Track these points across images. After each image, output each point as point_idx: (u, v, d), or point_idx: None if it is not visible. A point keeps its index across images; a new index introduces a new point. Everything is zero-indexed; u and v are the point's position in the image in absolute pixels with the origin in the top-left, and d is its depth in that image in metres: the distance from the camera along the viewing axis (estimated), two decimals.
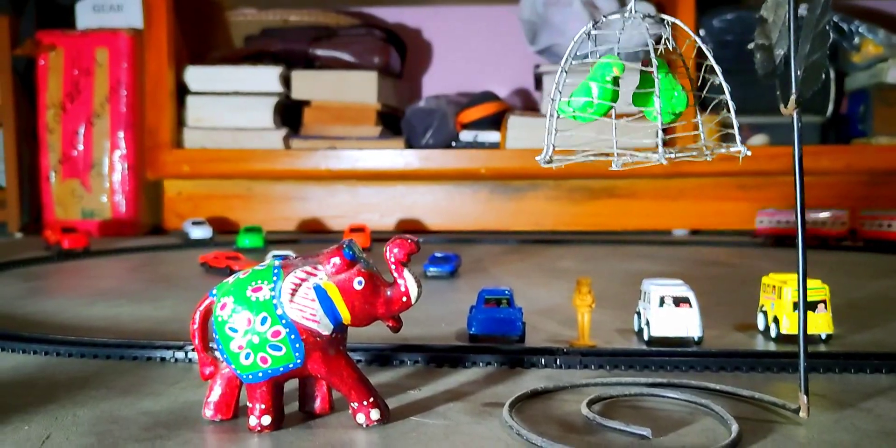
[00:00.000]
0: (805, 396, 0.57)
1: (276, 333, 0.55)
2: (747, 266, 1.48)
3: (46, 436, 0.55)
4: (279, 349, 0.55)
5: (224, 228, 2.08)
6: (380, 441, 0.54)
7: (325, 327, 0.55)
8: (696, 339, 0.80)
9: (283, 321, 0.55)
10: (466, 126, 2.14)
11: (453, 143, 2.14)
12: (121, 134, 2.10)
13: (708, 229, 2.10)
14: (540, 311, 0.99)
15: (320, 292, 0.55)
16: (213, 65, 2.16)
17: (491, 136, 2.11)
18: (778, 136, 2.08)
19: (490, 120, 2.13)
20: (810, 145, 2.06)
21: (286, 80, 2.14)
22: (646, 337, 0.82)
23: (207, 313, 0.57)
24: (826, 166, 2.01)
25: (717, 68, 0.54)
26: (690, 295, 0.81)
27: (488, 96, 2.21)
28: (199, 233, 1.86)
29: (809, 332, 0.80)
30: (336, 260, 0.55)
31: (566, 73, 0.52)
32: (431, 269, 1.31)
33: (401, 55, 2.34)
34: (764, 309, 0.88)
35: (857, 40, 2.13)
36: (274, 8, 2.34)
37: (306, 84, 2.15)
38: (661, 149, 0.50)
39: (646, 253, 1.70)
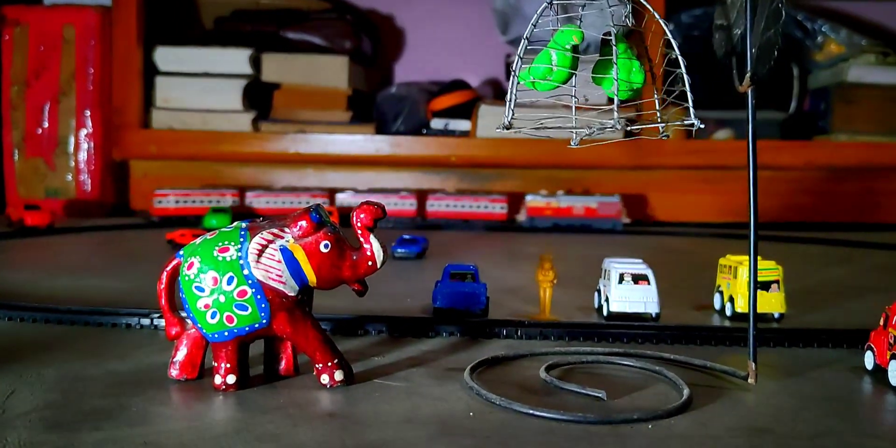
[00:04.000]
0: (753, 363, 0.60)
1: (243, 293, 0.56)
2: (706, 254, 1.51)
3: (11, 391, 0.56)
4: (245, 309, 0.56)
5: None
6: (343, 400, 0.56)
7: (290, 288, 0.56)
8: (653, 315, 0.83)
9: (250, 281, 0.56)
10: (437, 114, 2.15)
11: (424, 131, 2.15)
12: (87, 112, 2.07)
13: (670, 221, 2.13)
14: (504, 290, 1.00)
15: (286, 254, 0.56)
16: (182, 45, 2.14)
17: (461, 124, 2.12)
18: (742, 130, 2.11)
19: (461, 108, 2.14)
20: (772, 140, 2.10)
21: (256, 63, 2.13)
22: (605, 313, 0.84)
23: (174, 273, 0.58)
24: (787, 161, 2.06)
25: (674, 43, 0.55)
26: (649, 273, 0.84)
27: (459, 85, 2.22)
28: None
29: (762, 310, 0.83)
30: (303, 223, 0.56)
31: (527, 40, 0.54)
32: (399, 250, 1.32)
33: (373, 41, 2.34)
34: (720, 289, 0.90)
35: (819, 39, 2.17)
36: None
37: (276, 67, 2.14)
38: (616, 114, 0.52)
39: (609, 241, 1.73)
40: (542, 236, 1.81)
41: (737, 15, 0.57)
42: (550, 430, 0.51)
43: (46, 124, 2.07)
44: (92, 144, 2.08)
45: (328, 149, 2.08)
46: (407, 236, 1.37)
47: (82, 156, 2.08)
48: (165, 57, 2.11)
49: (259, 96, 2.15)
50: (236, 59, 2.10)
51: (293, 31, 2.17)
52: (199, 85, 2.10)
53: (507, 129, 0.56)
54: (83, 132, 2.07)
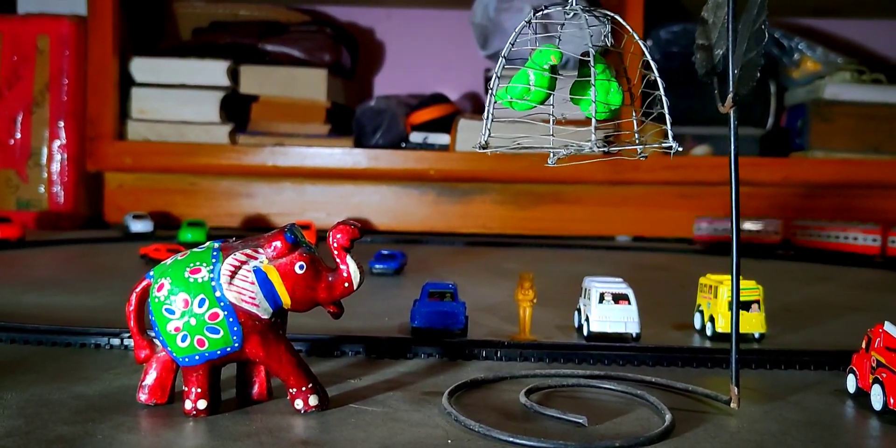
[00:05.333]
0: (736, 388, 0.59)
1: (214, 316, 0.54)
2: (686, 271, 1.51)
3: None
4: (217, 332, 0.54)
5: (166, 223, 2.04)
6: (318, 426, 0.54)
7: (264, 311, 0.55)
8: (634, 335, 0.82)
9: (222, 304, 0.54)
10: (416, 127, 2.14)
11: (403, 144, 2.14)
12: (61, 123, 2.04)
13: (650, 236, 2.13)
14: (483, 308, 0.99)
15: (260, 275, 0.54)
16: (159, 56, 2.12)
17: (440, 138, 2.12)
18: (720, 146, 2.13)
19: (440, 122, 2.13)
20: (750, 157, 2.11)
21: (234, 75, 2.11)
22: (585, 332, 0.83)
23: (144, 295, 0.56)
24: (764, 178, 2.07)
25: (653, 64, 0.55)
26: (629, 292, 0.83)
27: (439, 98, 2.22)
28: (140, 226, 1.82)
29: (743, 331, 0.82)
30: (277, 243, 0.55)
31: (505, 59, 0.53)
32: (377, 266, 1.31)
33: (352, 54, 2.33)
34: (700, 308, 0.90)
35: (796, 57, 2.19)
36: (224, 1, 2.31)
37: (255, 79, 2.12)
38: (593, 136, 0.51)
39: (589, 257, 1.72)
40: (519, 251, 1.80)
41: (718, 35, 0.57)
42: None
43: (19, 135, 2.03)
44: (65, 156, 2.05)
45: (306, 162, 2.07)
46: (385, 252, 1.36)
47: (55, 167, 2.04)
48: (142, 68, 2.09)
49: (236, 108, 2.13)
50: (214, 71, 2.08)
51: (272, 44, 2.16)
52: (176, 96, 2.08)
53: (484, 148, 0.55)
54: (56, 143, 2.04)
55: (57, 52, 2.02)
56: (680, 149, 0.54)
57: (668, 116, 0.53)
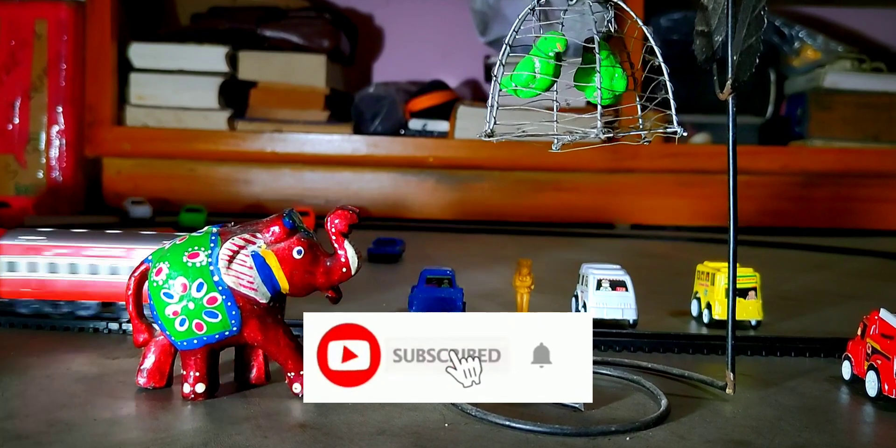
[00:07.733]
0: (731, 373, 0.59)
1: (213, 300, 0.54)
2: (683, 259, 1.51)
3: None
4: (215, 316, 0.54)
5: (165, 209, 2.04)
6: (315, 410, 0.54)
7: (262, 295, 0.55)
8: (631, 321, 0.82)
9: (220, 288, 0.54)
10: (415, 114, 2.14)
11: (402, 131, 2.13)
12: (59, 109, 2.03)
13: (648, 224, 2.13)
14: (481, 295, 1.00)
15: (258, 260, 0.55)
16: (157, 42, 2.11)
17: (440, 125, 2.11)
18: (719, 134, 2.12)
19: (439, 109, 2.13)
20: (749, 145, 2.11)
21: (233, 60, 2.10)
22: None
23: (142, 279, 0.56)
24: (763, 166, 2.07)
25: (657, 50, 0.55)
26: (627, 279, 0.83)
27: (438, 85, 2.21)
28: (140, 212, 1.82)
29: (740, 318, 0.83)
30: (275, 228, 0.55)
31: (509, 46, 0.53)
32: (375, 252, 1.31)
33: (352, 40, 2.33)
34: (697, 295, 0.90)
35: (796, 45, 2.19)
36: None
37: (253, 65, 2.11)
38: (599, 123, 0.51)
39: (587, 244, 1.72)
40: (517, 239, 1.80)
41: (718, 21, 0.57)
42: (527, 441, 0.50)
43: (17, 120, 2.03)
44: (64, 141, 2.04)
45: (305, 148, 2.06)
46: (384, 238, 1.36)
47: (54, 153, 2.04)
48: (140, 53, 2.08)
49: (235, 94, 2.13)
50: (212, 57, 2.07)
51: (271, 29, 2.15)
52: (175, 82, 2.07)
53: (490, 136, 0.54)
54: (55, 129, 2.04)
55: (55, 36, 2.01)
56: (685, 133, 0.54)
57: (672, 101, 0.53)
